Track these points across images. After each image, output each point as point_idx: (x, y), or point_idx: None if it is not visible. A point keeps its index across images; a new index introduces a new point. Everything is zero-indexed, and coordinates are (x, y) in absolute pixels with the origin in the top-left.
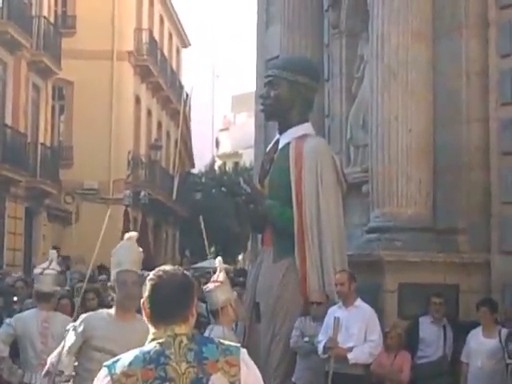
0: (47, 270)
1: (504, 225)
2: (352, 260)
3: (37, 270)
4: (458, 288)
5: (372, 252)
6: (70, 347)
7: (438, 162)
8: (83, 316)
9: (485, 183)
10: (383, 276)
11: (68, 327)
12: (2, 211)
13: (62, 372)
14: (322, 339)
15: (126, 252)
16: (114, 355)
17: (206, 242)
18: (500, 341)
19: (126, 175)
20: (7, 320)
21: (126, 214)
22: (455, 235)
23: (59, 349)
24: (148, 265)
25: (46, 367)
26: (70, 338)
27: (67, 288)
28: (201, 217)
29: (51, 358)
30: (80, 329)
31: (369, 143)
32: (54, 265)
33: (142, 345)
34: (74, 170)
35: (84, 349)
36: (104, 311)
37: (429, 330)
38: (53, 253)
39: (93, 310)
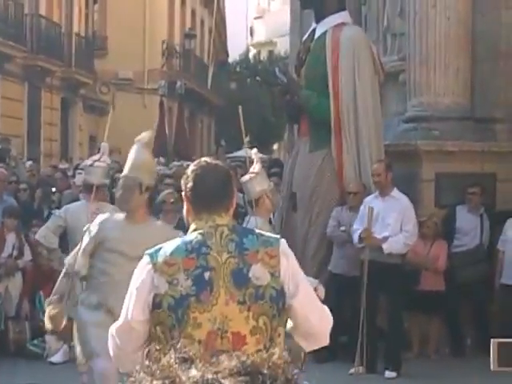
0: (98, 163)
1: None
2: (389, 150)
3: (87, 162)
4: (495, 177)
5: (409, 141)
6: (84, 248)
7: (477, 50)
8: (99, 218)
9: None
10: (420, 165)
11: (84, 228)
12: (39, 102)
13: (79, 272)
14: (357, 228)
15: (131, 156)
16: (126, 256)
17: (243, 131)
18: None
19: (160, 65)
20: (56, 212)
21: (162, 104)
22: (493, 124)
23: (76, 249)
24: (185, 154)
25: (64, 268)
26: (85, 240)
27: None
28: (240, 107)
29: (68, 259)
30: (94, 231)
31: (406, 31)
32: (105, 158)
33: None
34: (109, 60)
35: (98, 251)
36: (121, 214)
37: (465, 219)
38: (104, 146)
39: None
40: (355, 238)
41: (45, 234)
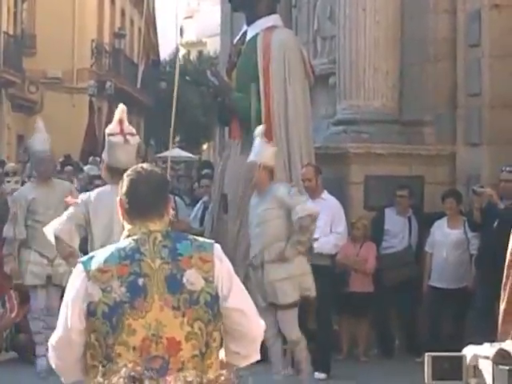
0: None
1: (469, 117)
2: (319, 152)
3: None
4: (423, 180)
5: (338, 144)
6: None
7: (406, 53)
8: None
9: (451, 75)
10: (349, 168)
11: None
12: None
13: None
14: None
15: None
16: None
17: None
18: (464, 232)
19: (89, 64)
20: None
21: (91, 104)
22: (421, 127)
23: None
24: None
25: None
26: None
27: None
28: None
29: None
30: None
31: (336, 34)
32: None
33: None
34: (38, 59)
35: None
36: None
37: (394, 221)
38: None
39: None
40: None
41: None
